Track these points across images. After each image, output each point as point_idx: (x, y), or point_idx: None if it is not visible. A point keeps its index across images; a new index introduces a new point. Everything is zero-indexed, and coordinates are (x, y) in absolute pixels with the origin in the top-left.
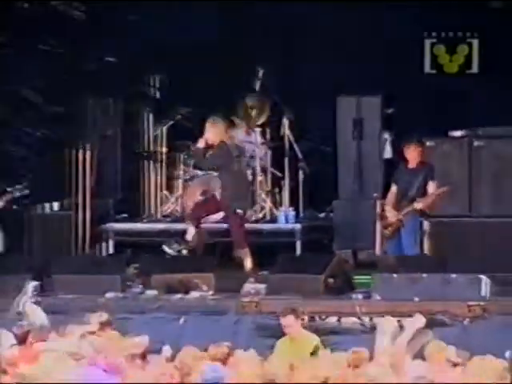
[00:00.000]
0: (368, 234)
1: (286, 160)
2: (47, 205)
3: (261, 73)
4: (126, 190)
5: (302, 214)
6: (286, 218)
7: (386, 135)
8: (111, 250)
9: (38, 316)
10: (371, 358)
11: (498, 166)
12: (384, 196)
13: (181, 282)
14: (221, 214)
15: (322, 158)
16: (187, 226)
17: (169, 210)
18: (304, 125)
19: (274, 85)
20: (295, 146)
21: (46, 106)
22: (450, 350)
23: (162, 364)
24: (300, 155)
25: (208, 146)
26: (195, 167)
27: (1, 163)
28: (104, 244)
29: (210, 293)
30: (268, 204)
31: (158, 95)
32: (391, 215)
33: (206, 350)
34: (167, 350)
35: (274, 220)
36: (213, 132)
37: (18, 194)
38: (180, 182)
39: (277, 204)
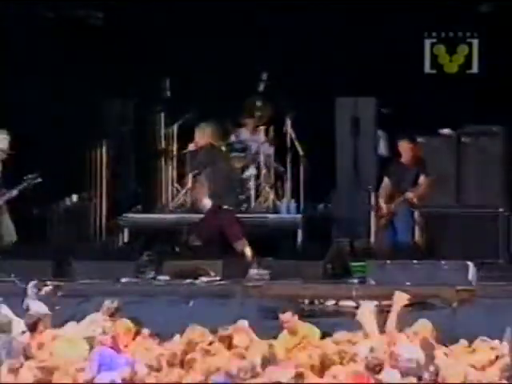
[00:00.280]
0: (363, 223)
1: (288, 156)
2: (67, 197)
3: (265, 76)
4: (140, 183)
5: (302, 206)
6: (288, 209)
7: (381, 133)
8: (126, 239)
9: (39, 307)
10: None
11: (483, 161)
12: (378, 188)
13: (191, 268)
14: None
15: (321, 153)
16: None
17: (179, 202)
18: (305, 123)
19: (277, 86)
20: (296, 142)
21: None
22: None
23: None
24: (301, 151)
25: (199, 148)
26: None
27: (26, 160)
28: (120, 233)
29: (218, 278)
30: (271, 196)
31: (169, 96)
32: (384, 206)
33: (213, 331)
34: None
35: (276, 211)
36: (201, 136)
37: (30, 183)
38: (190, 176)
39: (279, 196)
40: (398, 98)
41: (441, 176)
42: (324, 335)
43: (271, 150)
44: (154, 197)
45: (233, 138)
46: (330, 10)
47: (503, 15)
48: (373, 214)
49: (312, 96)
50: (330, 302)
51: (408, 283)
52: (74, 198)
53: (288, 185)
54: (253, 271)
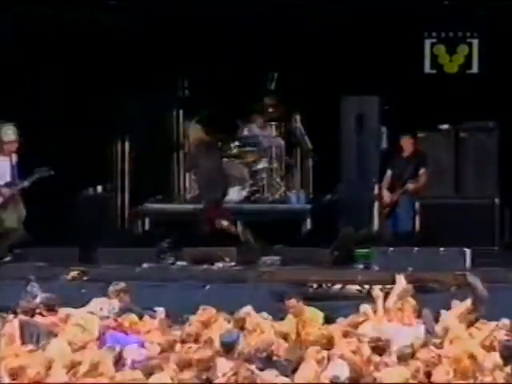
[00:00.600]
0: (368, 212)
1: (298, 150)
2: (93, 188)
3: (275, 75)
4: (160, 175)
5: (311, 196)
6: (297, 199)
7: (383, 129)
8: (147, 227)
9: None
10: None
11: (479, 154)
12: (381, 180)
13: (207, 254)
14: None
15: (328, 148)
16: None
17: (196, 193)
18: (313, 120)
19: (287, 85)
20: (306, 137)
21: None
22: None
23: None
24: (310, 146)
25: (192, 147)
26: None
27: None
28: (141, 222)
29: (232, 264)
30: (282, 187)
31: (187, 94)
32: (387, 196)
33: (228, 312)
34: (161, 312)
35: (287, 201)
36: (193, 134)
37: (41, 175)
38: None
39: (290, 187)
40: (400, 97)
41: (440, 168)
42: (328, 318)
43: (282, 144)
44: (172, 188)
45: (245, 133)
46: (335, 12)
47: (503, 15)
48: (376, 204)
49: (319, 95)
50: (337, 286)
51: (410, 268)
52: (99, 188)
53: (298, 177)
54: (265, 257)
